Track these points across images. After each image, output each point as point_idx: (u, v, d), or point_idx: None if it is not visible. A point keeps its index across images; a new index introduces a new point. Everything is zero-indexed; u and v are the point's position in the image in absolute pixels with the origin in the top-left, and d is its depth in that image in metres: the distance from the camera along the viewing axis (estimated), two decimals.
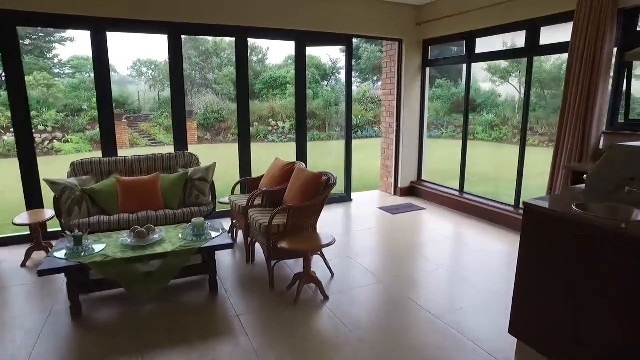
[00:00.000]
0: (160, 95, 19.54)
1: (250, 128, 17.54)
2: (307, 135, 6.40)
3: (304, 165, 4.56)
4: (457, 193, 6.51)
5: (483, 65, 19.16)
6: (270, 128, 18.50)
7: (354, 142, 7.82)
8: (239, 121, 5.90)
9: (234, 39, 5.61)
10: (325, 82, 23.97)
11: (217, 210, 5.30)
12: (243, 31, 5.57)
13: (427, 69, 7.00)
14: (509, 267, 4.26)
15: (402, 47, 6.81)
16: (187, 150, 5.43)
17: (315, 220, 3.95)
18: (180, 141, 5.53)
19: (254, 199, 4.23)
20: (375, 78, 26.02)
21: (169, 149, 5.69)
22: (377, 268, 4.21)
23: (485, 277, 4.01)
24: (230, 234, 5.01)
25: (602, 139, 4.56)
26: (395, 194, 7.32)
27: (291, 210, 3.63)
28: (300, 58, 6.07)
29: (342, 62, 28.25)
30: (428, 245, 4.94)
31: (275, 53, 25.12)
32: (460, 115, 20.29)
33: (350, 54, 6.47)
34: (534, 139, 16.14)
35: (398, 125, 7.06)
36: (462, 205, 6.30)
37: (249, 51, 22.55)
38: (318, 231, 3.92)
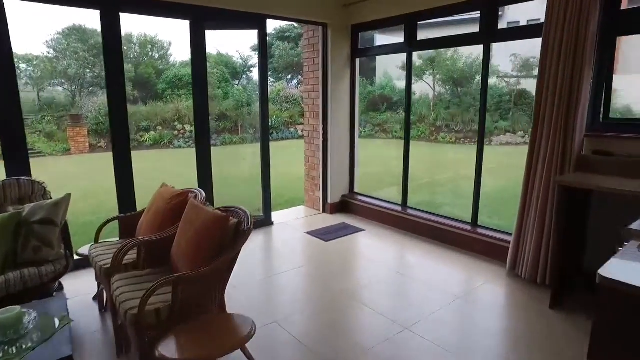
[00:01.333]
0: (41, 96, 16.47)
1: (152, 133, 15.14)
2: (210, 142, 4.87)
3: (202, 195, 3.04)
4: (399, 208, 5.36)
5: (398, 63, 18.72)
6: (176, 132, 16.37)
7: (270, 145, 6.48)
8: (112, 127, 4.17)
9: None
10: (237, 81, 22.17)
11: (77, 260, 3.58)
12: (111, 2, 3.88)
13: (357, 60, 5.79)
14: (491, 315, 3.14)
15: (327, 33, 5.51)
16: (32, 172, 3.64)
17: (222, 290, 2.48)
18: (18, 160, 3.69)
19: (123, 255, 2.64)
20: (289, 77, 24.73)
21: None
22: (313, 338, 2.85)
23: (463, 339, 2.82)
24: (97, 300, 3.34)
25: (584, 142, 3.62)
26: (324, 210, 6.02)
27: (179, 285, 2.13)
28: (197, 44, 4.50)
29: (253, 60, 26.51)
30: (376, 288, 3.68)
31: (181, 48, 22.73)
32: (376, 114, 19.83)
33: (263, 40, 5.02)
34: (450, 137, 15.90)
35: (325, 128, 5.77)
36: (407, 223, 5.17)
37: (148, 47, 20.08)
38: (228, 303, 2.47)
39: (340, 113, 5.81)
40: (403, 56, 5.26)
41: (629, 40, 17.31)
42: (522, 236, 3.92)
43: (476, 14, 4.45)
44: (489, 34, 4.26)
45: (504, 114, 16.40)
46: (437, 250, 4.56)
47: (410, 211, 5.23)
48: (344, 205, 6.02)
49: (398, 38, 5.34)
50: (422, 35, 5.02)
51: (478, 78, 17.54)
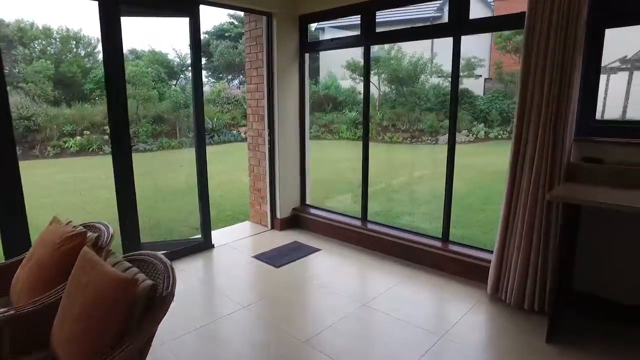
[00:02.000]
0: None
1: (78, 138, 13.63)
2: (130, 150, 3.95)
3: (106, 235, 2.18)
4: (358, 223, 4.70)
5: (342, 62, 18.24)
6: (107, 137, 14.83)
7: (211, 149, 5.65)
8: None
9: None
10: (174, 81, 20.74)
11: None
12: None
13: (307, 56, 5.07)
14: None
15: (271, 25, 4.74)
16: None
17: None
18: None
19: None
20: (230, 77, 23.61)
21: None
22: None
23: None
24: None
25: (572, 148, 3.13)
26: (273, 227, 5.25)
27: None
28: (109, 32, 3.58)
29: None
30: (340, 330, 2.98)
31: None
32: (322, 114, 19.24)
33: (196, 31, 4.16)
34: (397, 136, 15.63)
35: (272, 133, 5.00)
36: (368, 240, 4.53)
37: (72, 42, 18.18)
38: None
39: (289, 115, 5.07)
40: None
41: None
42: (505, 255, 3.38)
43: (432, 13, 3.85)
44: (460, 25, 3.69)
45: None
46: (405, 272, 3.95)
47: (371, 226, 4.59)
48: (296, 220, 5.29)
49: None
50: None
51: (423, 77, 17.46)
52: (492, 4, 19.36)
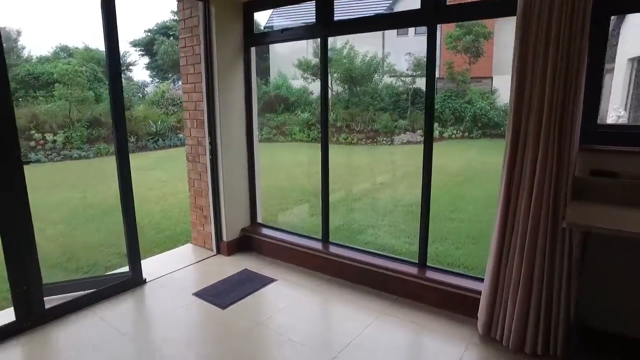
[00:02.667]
0: None
1: None
2: (20, 162, 3.02)
3: None
4: (319, 246, 3.99)
5: (294, 61, 17.50)
6: (33, 143, 13.25)
7: (154, 155, 4.79)
8: None
9: None
10: None
11: None
12: None
13: (253, 50, 4.29)
14: None
15: (209, 13, 3.93)
16: None
17: None
18: None
19: None
20: (175, 76, 22.25)
21: None
22: None
23: None
24: None
25: (576, 159, 2.57)
26: (219, 251, 4.44)
27: None
28: None
29: (132, 57, 23.51)
30: None
31: (37, 39, 18.92)
32: (273, 115, 18.37)
33: (110, 8, 3.28)
34: (352, 137, 15.09)
35: (213, 142, 4.19)
36: (331, 266, 3.83)
37: None
38: None
39: (233, 119, 4.27)
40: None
41: (499, 40, 18.11)
42: (499, 287, 2.79)
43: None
44: (435, 12, 3.05)
45: (403, 113, 16.06)
46: (378, 306, 3.28)
47: (334, 249, 3.89)
48: (246, 243, 4.50)
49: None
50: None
51: (376, 77, 17.04)
52: None
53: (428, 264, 3.47)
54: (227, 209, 4.33)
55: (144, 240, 5.04)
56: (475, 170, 9.27)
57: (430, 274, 3.33)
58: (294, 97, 17.60)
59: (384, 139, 14.84)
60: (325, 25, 3.60)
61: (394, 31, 21.29)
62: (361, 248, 3.88)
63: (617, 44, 9.38)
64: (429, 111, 3.23)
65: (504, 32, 18.37)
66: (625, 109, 8.68)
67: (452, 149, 12.77)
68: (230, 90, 4.18)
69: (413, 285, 3.36)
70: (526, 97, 2.52)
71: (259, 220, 4.62)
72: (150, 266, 4.03)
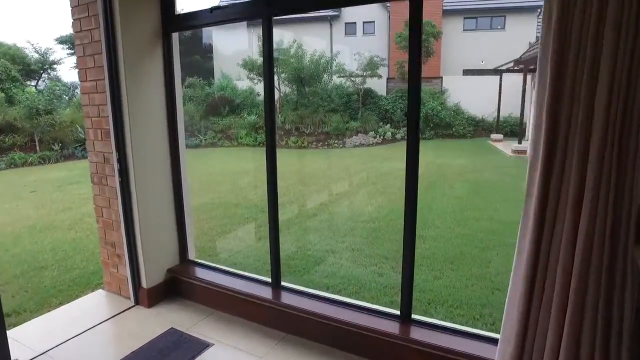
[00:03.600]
0: None
1: None
2: None
3: None
4: (268, 294, 3.03)
5: (239, 60, 16.32)
6: None
7: (83, 164, 4.16)
8: None
9: None
10: (34, 81, 17.06)
11: None
12: None
13: (175, 36, 3.25)
14: None
15: None
16: None
17: None
18: None
19: None
20: None
21: None
22: None
23: None
24: None
25: None
26: (137, 301, 3.35)
27: None
28: None
29: (56, 54, 21.31)
30: None
31: None
32: (218, 118, 17.05)
33: None
34: (302, 140, 14.19)
35: (123, 158, 3.11)
36: (285, 320, 2.88)
37: None
38: None
39: (150, 127, 3.22)
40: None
41: (446, 40, 17.96)
42: (524, 354, 1.96)
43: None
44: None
45: (354, 114, 15.37)
46: None
47: (288, 297, 2.95)
48: (173, 287, 3.45)
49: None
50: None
51: (325, 77, 16.23)
52: (388, 5, 18.88)
53: (413, 314, 2.61)
54: (146, 246, 3.26)
55: (38, 287, 3.85)
56: (434, 174, 8.66)
57: (417, 334, 2.47)
58: (240, 99, 16.45)
59: (336, 141, 14.06)
60: (268, 1, 2.64)
61: (342, 31, 20.68)
62: (323, 295, 2.95)
63: None
64: (413, 115, 2.37)
65: (453, 32, 18.24)
66: None
67: (403, 151, 12.20)
68: (144, 89, 3.12)
69: (396, 349, 2.49)
70: (565, 107, 1.70)
71: (191, 256, 3.58)
72: (35, 333, 2.89)
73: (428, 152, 12.03)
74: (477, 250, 4.53)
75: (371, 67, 15.27)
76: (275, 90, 16.33)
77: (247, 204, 6.82)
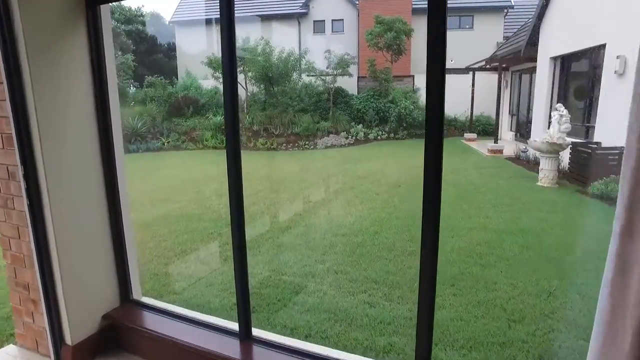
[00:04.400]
0: None
1: None
2: None
3: None
4: (235, 350, 2.25)
5: (203, 58, 15.30)
6: None
7: None
8: None
9: None
10: None
11: None
12: None
13: (105, 11, 2.42)
14: None
15: None
16: None
17: None
18: None
19: None
20: None
21: None
22: None
23: None
24: None
25: None
26: None
27: None
28: None
29: None
30: None
31: None
32: (182, 119, 15.96)
33: None
34: (271, 142, 13.37)
35: (32, 172, 2.26)
36: None
37: None
38: None
39: (70, 131, 2.38)
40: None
41: (416, 39, 17.57)
42: None
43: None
44: None
45: (324, 114, 14.68)
46: None
47: (260, 353, 2.19)
48: (111, 338, 2.61)
49: None
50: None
51: (295, 75, 15.46)
52: (357, 3, 18.32)
53: None
54: (70, 286, 2.42)
55: None
56: (413, 176, 8.07)
57: None
58: (205, 99, 15.45)
59: (307, 142, 13.32)
60: None
61: (310, 29, 19.98)
62: (306, 349, 2.20)
63: None
64: (435, 114, 1.66)
65: (423, 30, 17.86)
66: None
67: (381, 152, 11.62)
68: (59, 82, 2.28)
69: None
70: None
71: (135, 294, 2.76)
72: None
73: (402, 152, 11.49)
74: (478, 268, 3.91)
75: (342, 65, 14.63)
76: (242, 89, 15.49)
77: (211, 216, 5.98)
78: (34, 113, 2.17)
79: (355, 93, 15.83)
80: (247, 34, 15.88)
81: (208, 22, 19.85)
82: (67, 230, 2.38)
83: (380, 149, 12.08)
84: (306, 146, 13.09)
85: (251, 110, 14.73)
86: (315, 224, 5.57)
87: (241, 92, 15.59)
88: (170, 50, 22.42)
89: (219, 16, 2.17)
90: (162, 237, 5.10)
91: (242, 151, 2.30)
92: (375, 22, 15.25)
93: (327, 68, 15.23)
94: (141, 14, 21.53)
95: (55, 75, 2.25)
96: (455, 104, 14.37)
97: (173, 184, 7.98)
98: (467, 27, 17.92)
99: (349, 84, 15.50)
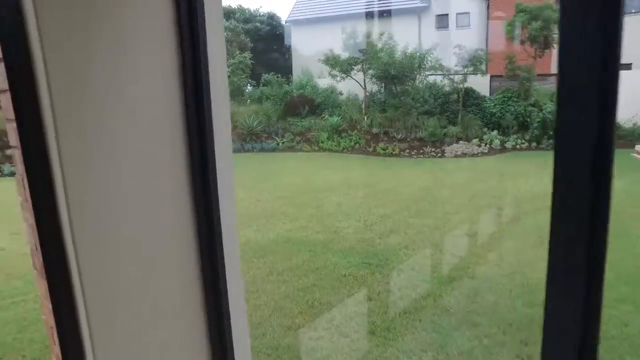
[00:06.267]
0: None
1: None
2: None
3: None
4: None
5: (321, 56, 14.24)
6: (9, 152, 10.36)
7: None
8: None
9: None
10: None
11: None
12: None
13: None
14: None
15: None
16: None
17: None
18: None
19: None
20: None
21: None
22: None
23: None
24: None
25: None
26: None
27: None
28: None
29: None
30: None
31: None
32: (296, 119, 15.10)
33: None
34: (393, 147, 11.76)
35: (50, 194, 0.95)
36: None
37: None
38: None
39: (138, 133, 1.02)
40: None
41: None
42: None
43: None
44: None
45: (452, 118, 12.63)
46: None
47: None
48: None
49: None
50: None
51: (420, 74, 13.61)
52: None
53: None
54: None
55: None
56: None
57: None
58: (321, 98, 14.36)
59: (433, 149, 11.45)
60: None
61: (432, 24, 17.94)
62: None
63: None
64: None
65: None
66: None
67: (529, 165, 9.26)
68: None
69: None
70: None
71: None
72: None
73: (550, 166, 9.06)
74: None
75: (474, 62, 12.42)
76: (361, 88, 14.10)
77: (340, 245, 4.57)
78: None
79: (487, 94, 13.48)
80: (366, 30, 14.47)
81: (325, 19, 18.92)
82: (119, 268, 1.06)
83: (526, 162, 9.75)
84: (432, 153, 11.23)
85: (370, 111, 13.27)
86: (489, 276, 3.78)
87: (359, 91, 14.22)
88: (286, 49, 22.00)
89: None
90: (279, 275, 3.83)
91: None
92: (515, 10, 12.75)
93: (455, 66, 13.13)
94: (259, 14, 21.46)
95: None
96: (620, 107, 11.35)
97: (289, 193, 6.82)
98: (634, 11, 14.34)
99: (479, 84, 13.21)
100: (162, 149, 1.11)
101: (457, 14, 17.67)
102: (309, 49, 18.24)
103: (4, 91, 1.05)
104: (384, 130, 12.27)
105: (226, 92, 1.29)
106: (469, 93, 13.01)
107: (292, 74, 17.86)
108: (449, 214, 5.63)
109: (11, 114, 1.02)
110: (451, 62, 13.22)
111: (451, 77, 13.08)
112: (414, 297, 3.34)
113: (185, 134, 1.14)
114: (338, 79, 14.08)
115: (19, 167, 1.16)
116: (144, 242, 1.11)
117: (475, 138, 11.68)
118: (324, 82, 15.05)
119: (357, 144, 12.07)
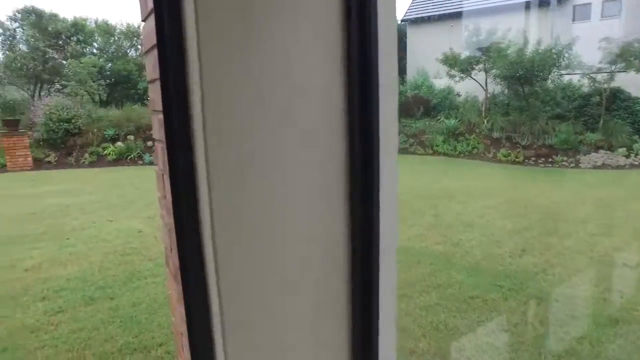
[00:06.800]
0: None
1: (118, 143, 10.41)
2: None
3: None
4: None
5: (438, 55, 13.51)
6: (151, 143, 11.81)
7: None
8: None
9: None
10: None
11: None
12: None
13: None
14: None
15: None
16: None
17: None
18: None
19: None
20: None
21: None
22: None
23: None
24: None
25: None
26: None
27: None
28: None
29: None
30: None
31: None
32: (410, 120, 14.59)
33: None
34: (516, 153, 10.65)
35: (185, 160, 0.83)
36: None
37: (134, 39, 15.52)
38: None
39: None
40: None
41: None
42: None
43: None
44: None
45: (591, 123, 11.01)
46: None
47: None
48: None
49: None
50: None
51: (554, 73, 12.13)
52: None
53: None
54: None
55: None
56: None
57: None
58: (437, 100, 13.67)
59: (565, 158, 10.08)
60: None
61: (568, 16, 15.87)
62: None
63: None
64: None
65: None
66: None
67: None
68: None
69: None
70: None
71: None
72: None
73: None
74: None
75: (628, 56, 10.62)
76: (480, 89, 13.05)
77: (464, 262, 4.16)
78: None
79: None
80: (491, 26, 13.33)
81: (442, 17, 17.95)
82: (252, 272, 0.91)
83: None
84: (564, 163, 9.91)
85: (490, 114, 12.23)
86: None
87: (479, 93, 13.20)
88: (401, 49, 21.45)
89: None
90: (398, 289, 3.58)
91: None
92: None
93: (598, 63, 11.40)
94: None
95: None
96: None
97: (406, 198, 6.50)
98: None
99: (632, 83, 11.28)
100: (319, 147, 0.95)
101: (604, 1, 15.39)
102: (425, 48, 17.53)
103: (153, 81, 0.99)
104: (506, 135, 11.18)
105: (395, 86, 1.09)
106: (617, 94, 11.20)
107: (406, 73, 17.32)
108: (595, 235, 4.78)
109: (159, 105, 0.95)
110: (593, 58, 11.50)
111: (592, 75, 11.40)
112: (562, 337, 2.83)
113: (346, 131, 0.97)
114: (457, 79, 13.23)
115: (160, 162, 1.10)
116: (291, 250, 0.97)
117: (621, 147, 9.98)
118: (440, 83, 14.29)
119: (475, 149, 11.19)
